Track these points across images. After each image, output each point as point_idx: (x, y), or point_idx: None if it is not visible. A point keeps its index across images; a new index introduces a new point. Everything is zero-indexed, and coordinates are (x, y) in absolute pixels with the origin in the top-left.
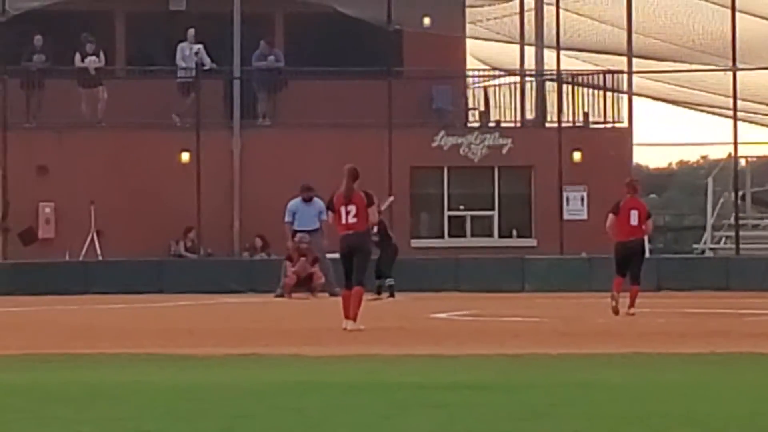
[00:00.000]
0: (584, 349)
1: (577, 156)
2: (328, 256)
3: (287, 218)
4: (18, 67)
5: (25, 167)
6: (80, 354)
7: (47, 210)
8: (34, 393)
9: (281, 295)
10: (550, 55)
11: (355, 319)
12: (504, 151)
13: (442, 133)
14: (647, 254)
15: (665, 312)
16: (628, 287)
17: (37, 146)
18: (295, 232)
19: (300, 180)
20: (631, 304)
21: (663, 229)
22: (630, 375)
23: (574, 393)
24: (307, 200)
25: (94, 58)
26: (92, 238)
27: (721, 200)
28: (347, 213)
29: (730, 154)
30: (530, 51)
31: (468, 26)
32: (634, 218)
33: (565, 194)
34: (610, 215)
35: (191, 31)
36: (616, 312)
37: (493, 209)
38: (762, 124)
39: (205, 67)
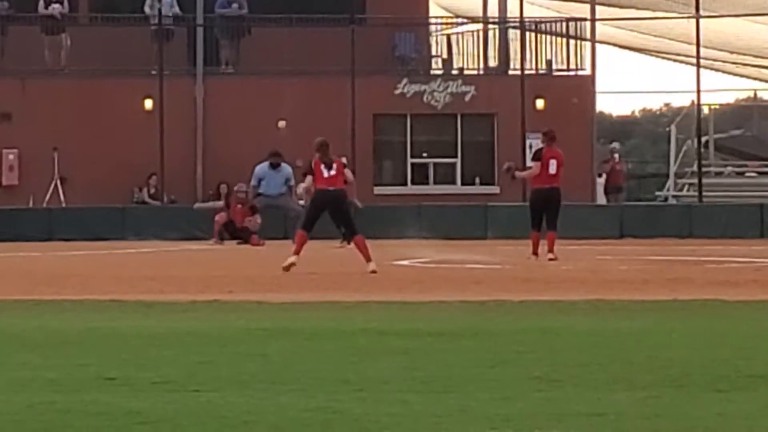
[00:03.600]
0: (547, 296)
1: (540, 103)
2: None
3: (253, 182)
4: None
5: None
6: (45, 300)
7: (11, 157)
8: None
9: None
10: (513, 3)
11: (369, 261)
12: (467, 98)
13: (405, 80)
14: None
15: (628, 259)
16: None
17: (1, 93)
18: (258, 195)
19: (263, 126)
20: (550, 249)
21: (626, 176)
22: (593, 322)
23: (537, 339)
24: (275, 166)
25: (57, 5)
26: (56, 185)
27: (684, 148)
28: (329, 171)
29: (693, 102)
30: None
31: None
32: (552, 167)
33: (528, 141)
34: (534, 162)
35: None
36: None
37: (456, 156)
38: (724, 72)
39: (177, 12)
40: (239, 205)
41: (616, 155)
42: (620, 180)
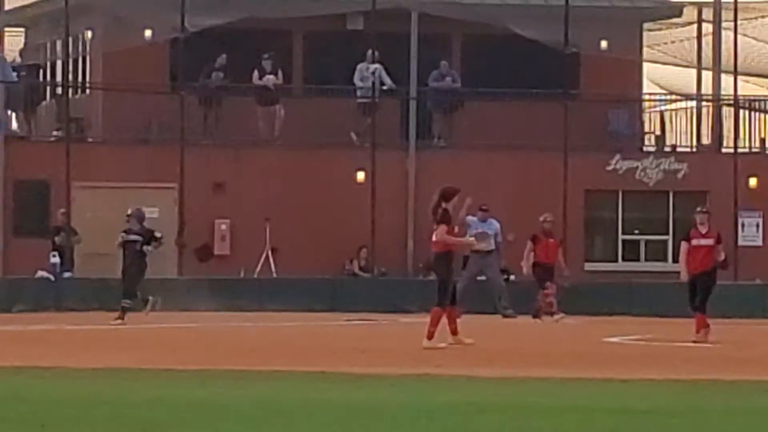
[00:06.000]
0: (759, 376)
1: (753, 182)
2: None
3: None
4: (196, 84)
5: (202, 184)
6: (255, 371)
7: (223, 227)
8: (209, 409)
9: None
10: (727, 80)
11: (429, 338)
12: (679, 175)
13: (617, 156)
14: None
15: None
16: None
17: (214, 163)
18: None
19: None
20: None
21: None
22: None
23: (748, 420)
24: (483, 220)
25: (272, 76)
26: (267, 255)
27: None
28: (434, 232)
29: None
30: (707, 75)
31: (645, 50)
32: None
33: (740, 220)
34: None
35: (370, 51)
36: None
37: (667, 234)
38: None
39: (385, 87)
40: None
41: None
42: None
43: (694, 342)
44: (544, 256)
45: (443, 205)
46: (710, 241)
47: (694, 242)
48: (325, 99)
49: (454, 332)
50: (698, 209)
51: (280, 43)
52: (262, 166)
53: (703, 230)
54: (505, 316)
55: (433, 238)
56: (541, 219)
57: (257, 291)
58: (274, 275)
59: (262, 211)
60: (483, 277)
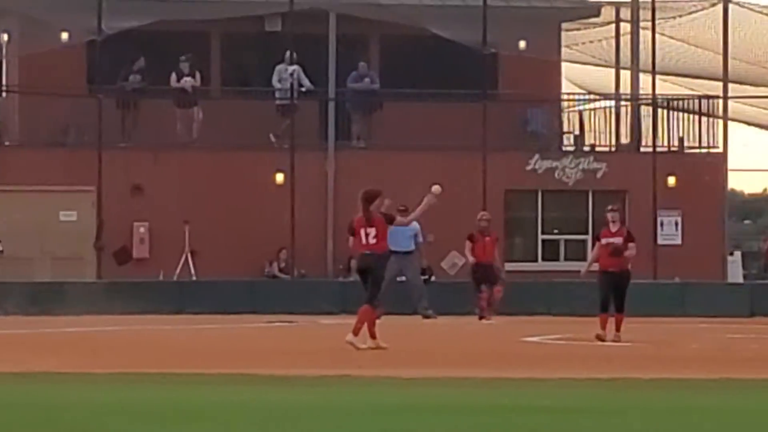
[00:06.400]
0: (676, 374)
1: (671, 181)
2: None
3: None
4: (114, 86)
5: (120, 187)
6: (174, 373)
7: (142, 230)
8: (127, 413)
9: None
10: (645, 79)
11: (355, 334)
12: (598, 175)
13: (536, 156)
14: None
15: (759, 338)
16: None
17: (133, 166)
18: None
19: (395, 202)
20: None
21: (758, 254)
22: (723, 401)
23: (666, 418)
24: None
25: (190, 78)
26: (186, 258)
27: None
28: (367, 235)
29: None
30: (626, 75)
31: (563, 49)
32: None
33: (659, 219)
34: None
35: (288, 53)
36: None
37: (586, 233)
38: None
39: (303, 89)
40: None
41: None
42: None
43: (613, 341)
44: (482, 254)
45: (370, 208)
46: (620, 239)
47: (604, 240)
48: (244, 101)
49: (373, 336)
50: (609, 207)
51: (198, 45)
52: (180, 168)
53: (614, 228)
54: (425, 317)
55: (370, 241)
56: (478, 217)
57: (177, 294)
58: (194, 278)
59: (181, 213)
60: (403, 278)
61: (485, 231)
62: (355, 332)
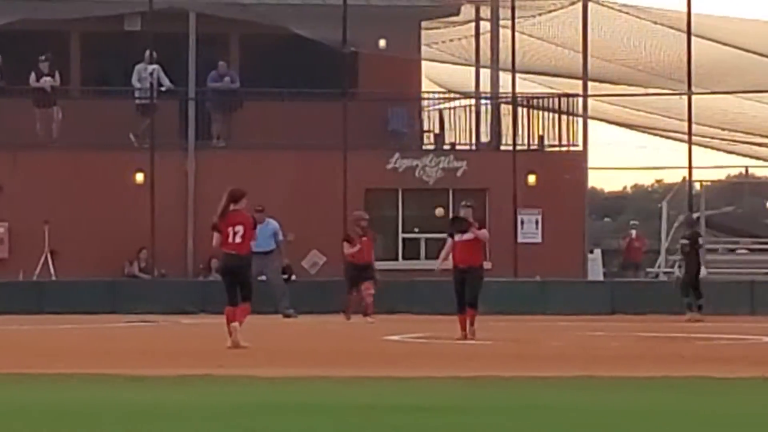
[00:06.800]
0: (537, 372)
1: (531, 179)
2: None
3: None
4: None
5: None
6: (35, 374)
7: (1, 230)
8: None
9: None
10: (505, 78)
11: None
12: (459, 173)
13: (397, 155)
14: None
15: (619, 335)
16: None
17: None
18: None
19: (254, 202)
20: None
21: (617, 252)
22: (583, 398)
23: (526, 415)
24: (260, 221)
25: (49, 78)
26: (46, 258)
27: (675, 224)
28: (235, 234)
29: (684, 178)
30: (485, 73)
31: (423, 48)
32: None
33: (519, 217)
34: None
35: (148, 52)
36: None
37: None
38: (716, 149)
39: (163, 88)
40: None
41: (633, 232)
42: (638, 257)
43: (468, 338)
44: (359, 255)
45: (232, 206)
46: (471, 236)
47: (457, 237)
48: (103, 100)
49: (230, 334)
50: (462, 203)
51: (57, 45)
52: (40, 168)
53: None
54: (285, 316)
55: (236, 240)
56: (356, 217)
57: (36, 294)
58: (54, 278)
59: (40, 213)
60: (263, 278)
61: (366, 231)
62: (231, 334)
